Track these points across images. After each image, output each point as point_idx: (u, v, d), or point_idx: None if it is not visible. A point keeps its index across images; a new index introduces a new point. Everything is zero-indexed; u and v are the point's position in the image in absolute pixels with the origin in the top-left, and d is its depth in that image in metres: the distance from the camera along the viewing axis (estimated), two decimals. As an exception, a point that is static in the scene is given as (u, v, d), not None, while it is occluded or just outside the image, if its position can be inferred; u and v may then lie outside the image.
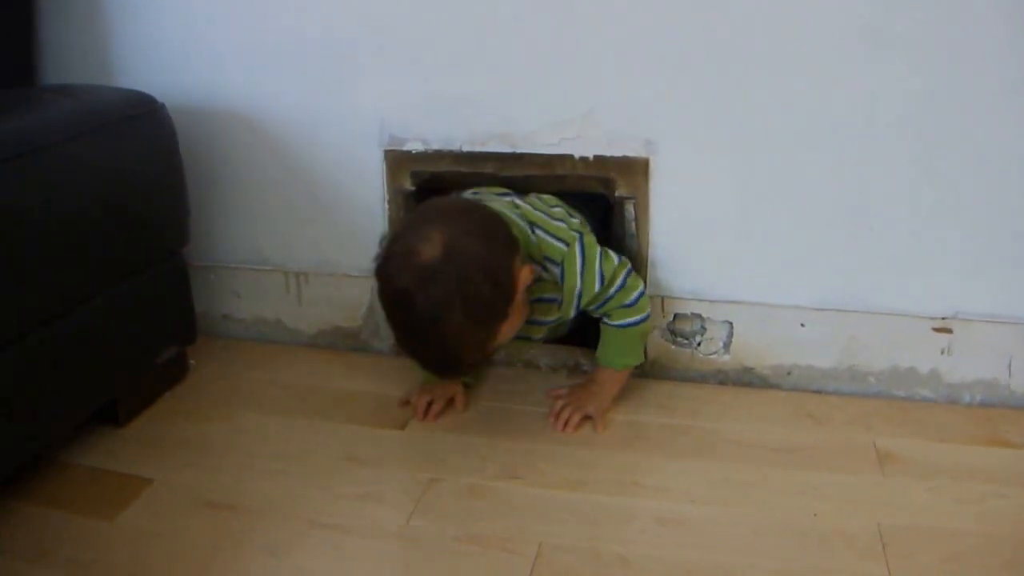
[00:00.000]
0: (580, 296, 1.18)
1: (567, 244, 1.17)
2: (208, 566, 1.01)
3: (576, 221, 1.24)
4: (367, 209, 1.38)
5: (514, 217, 1.16)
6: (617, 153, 1.27)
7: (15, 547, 1.04)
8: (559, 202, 1.27)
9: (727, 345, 1.32)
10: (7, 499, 1.10)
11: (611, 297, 1.19)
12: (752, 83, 1.20)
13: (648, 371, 1.36)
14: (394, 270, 1.05)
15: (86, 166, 1.10)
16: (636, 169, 1.27)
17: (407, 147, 1.33)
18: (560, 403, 1.26)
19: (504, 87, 1.28)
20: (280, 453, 1.20)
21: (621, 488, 1.12)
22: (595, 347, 1.27)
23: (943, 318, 1.25)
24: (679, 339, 1.34)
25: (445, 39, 1.27)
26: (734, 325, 1.31)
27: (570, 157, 1.28)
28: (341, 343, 1.47)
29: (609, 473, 1.14)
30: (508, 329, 1.11)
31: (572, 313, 1.20)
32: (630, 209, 1.28)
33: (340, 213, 1.40)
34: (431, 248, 1.03)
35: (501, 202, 1.20)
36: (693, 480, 1.13)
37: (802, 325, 1.29)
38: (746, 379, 1.33)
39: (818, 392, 1.31)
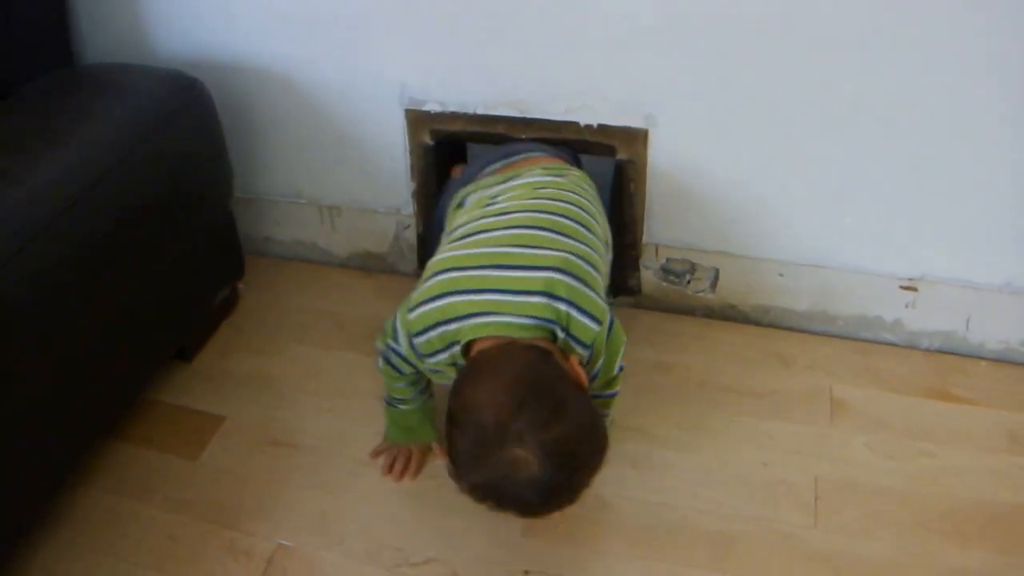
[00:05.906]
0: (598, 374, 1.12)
1: (599, 323, 1.06)
2: (276, 502, 1.22)
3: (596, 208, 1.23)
4: (391, 156, 1.50)
5: (545, 303, 1.04)
6: (619, 123, 1.36)
7: (121, 487, 1.25)
8: (585, 194, 1.24)
9: (713, 285, 1.48)
10: (110, 439, 1.30)
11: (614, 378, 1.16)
12: (742, 68, 1.26)
13: (641, 303, 1.52)
14: (509, 495, 0.96)
15: (142, 166, 1.20)
16: (636, 138, 1.36)
17: (426, 108, 1.42)
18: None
19: (516, 59, 1.34)
20: (329, 389, 1.38)
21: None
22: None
23: (910, 279, 1.38)
24: (670, 277, 1.49)
25: (463, 12, 1.32)
26: (720, 271, 1.46)
27: (576, 124, 1.37)
28: (371, 265, 1.64)
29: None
30: None
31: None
32: (630, 171, 1.39)
33: (367, 158, 1.52)
34: (528, 464, 0.93)
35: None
36: (668, 424, 1.30)
37: (780, 275, 1.43)
38: (729, 314, 1.50)
39: (791, 330, 1.47)
